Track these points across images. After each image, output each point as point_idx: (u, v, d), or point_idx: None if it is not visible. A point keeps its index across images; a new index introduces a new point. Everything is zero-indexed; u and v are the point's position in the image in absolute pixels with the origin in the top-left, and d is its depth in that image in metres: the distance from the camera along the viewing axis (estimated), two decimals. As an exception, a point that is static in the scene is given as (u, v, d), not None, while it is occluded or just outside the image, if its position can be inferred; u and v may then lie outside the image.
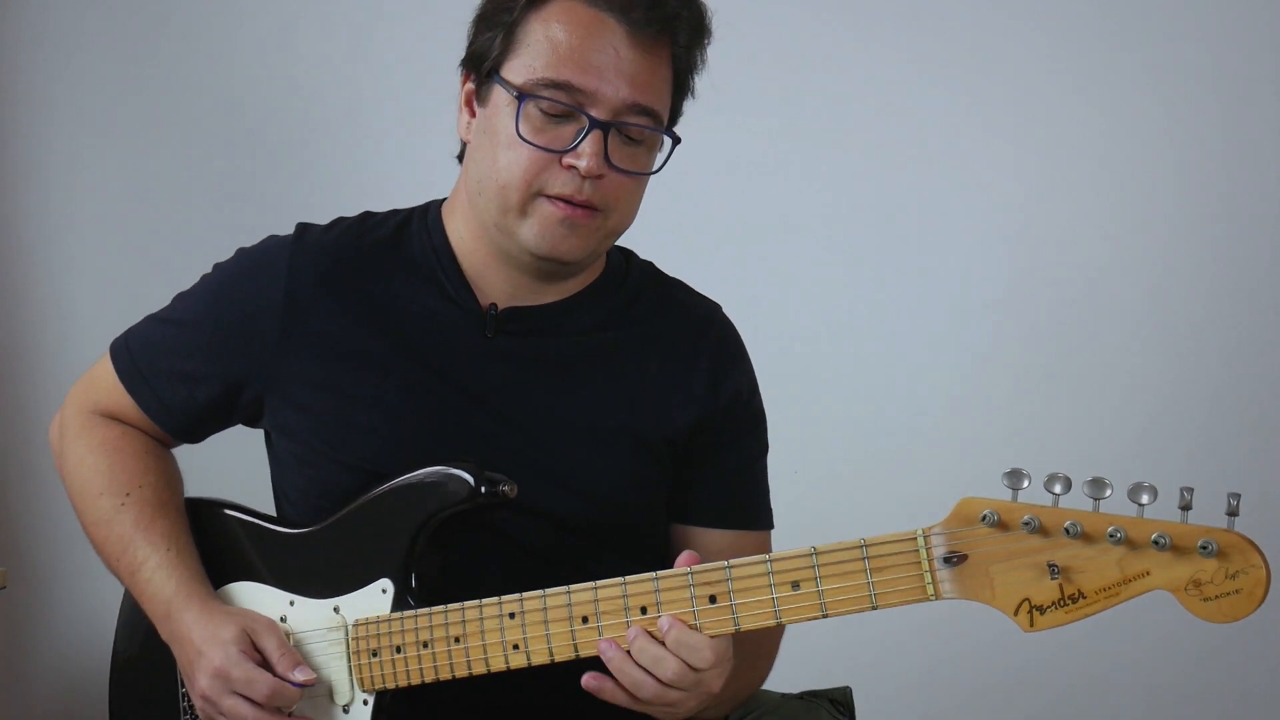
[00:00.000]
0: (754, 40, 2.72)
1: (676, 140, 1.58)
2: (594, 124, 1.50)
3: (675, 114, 1.61)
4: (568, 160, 1.50)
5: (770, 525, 1.72)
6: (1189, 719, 2.69)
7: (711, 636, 1.38)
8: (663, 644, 1.38)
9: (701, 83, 1.61)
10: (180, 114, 2.88)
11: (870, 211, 2.77)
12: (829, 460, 2.70)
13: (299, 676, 1.49)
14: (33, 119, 2.87)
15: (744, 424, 1.69)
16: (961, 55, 2.72)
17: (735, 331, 1.72)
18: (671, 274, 1.74)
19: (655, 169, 1.57)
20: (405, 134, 2.76)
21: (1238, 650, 2.64)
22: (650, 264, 1.74)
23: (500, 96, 1.53)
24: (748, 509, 1.69)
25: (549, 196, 1.51)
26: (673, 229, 2.61)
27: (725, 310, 1.73)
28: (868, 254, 2.78)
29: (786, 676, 1.70)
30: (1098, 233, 2.69)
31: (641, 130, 1.53)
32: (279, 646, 1.50)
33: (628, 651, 1.39)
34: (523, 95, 1.50)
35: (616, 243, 1.71)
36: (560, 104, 1.49)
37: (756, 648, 1.59)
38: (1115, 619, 2.60)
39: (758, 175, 2.78)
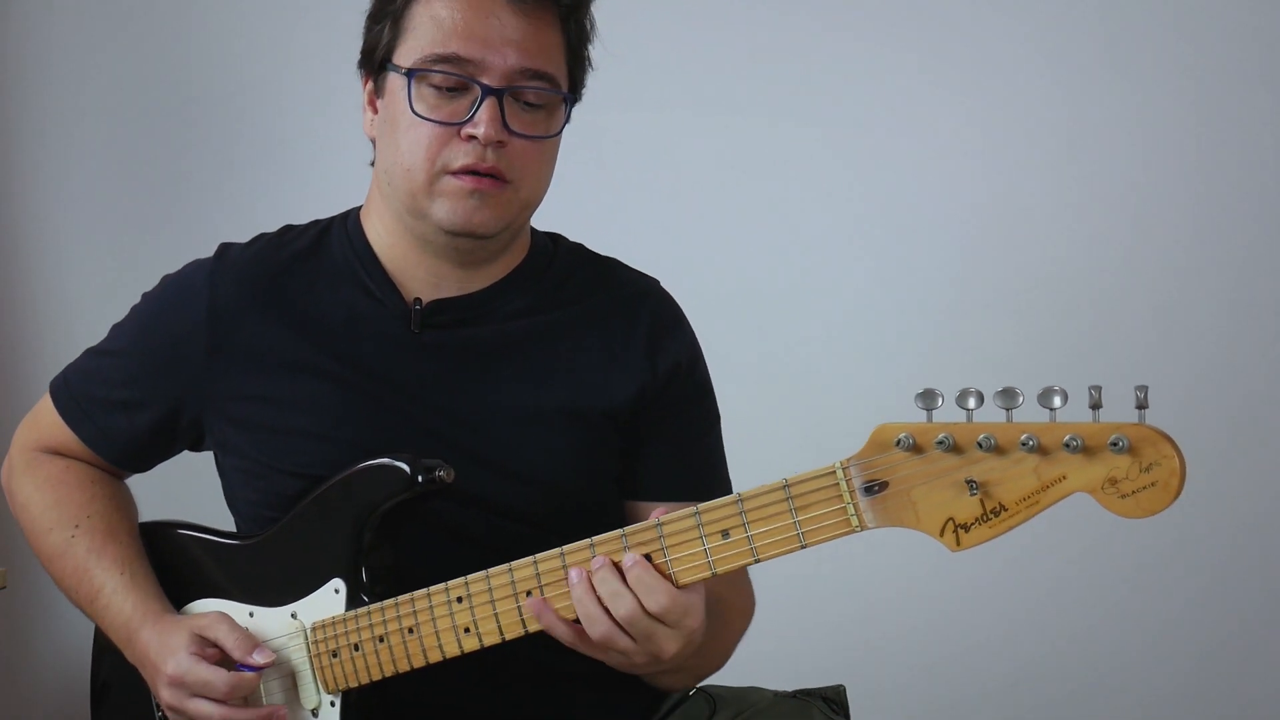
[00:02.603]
0: (737, 37, 2.73)
1: (573, 100, 1.59)
2: (487, 91, 1.51)
3: (576, 84, 1.61)
4: (466, 131, 1.51)
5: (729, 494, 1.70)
6: (1189, 719, 2.66)
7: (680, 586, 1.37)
8: (624, 580, 1.37)
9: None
10: (180, 115, 2.89)
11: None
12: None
13: (259, 659, 1.50)
14: (31, 120, 2.89)
15: (687, 394, 1.67)
16: (938, 45, 2.71)
17: (673, 303, 1.71)
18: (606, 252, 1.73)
19: (555, 131, 1.57)
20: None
21: (1238, 651, 2.62)
22: (580, 245, 1.73)
23: (395, 83, 1.55)
24: (701, 479, 1.66)
25: (454, 173, 1.52)
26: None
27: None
28: (855, 239, 2.78)
29: (779, 675, 1.68)
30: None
31: (538, 93, 1.54)
32: (230, 633, 1.52)
33: (591, 584, 1.38)
34: (412, 73, 1.52)
35: (550, 230, 1.72)
36: (452, 75, 1.51)
37: (720, 623, 1.55)
38: (1114, 618, 2.62)
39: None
